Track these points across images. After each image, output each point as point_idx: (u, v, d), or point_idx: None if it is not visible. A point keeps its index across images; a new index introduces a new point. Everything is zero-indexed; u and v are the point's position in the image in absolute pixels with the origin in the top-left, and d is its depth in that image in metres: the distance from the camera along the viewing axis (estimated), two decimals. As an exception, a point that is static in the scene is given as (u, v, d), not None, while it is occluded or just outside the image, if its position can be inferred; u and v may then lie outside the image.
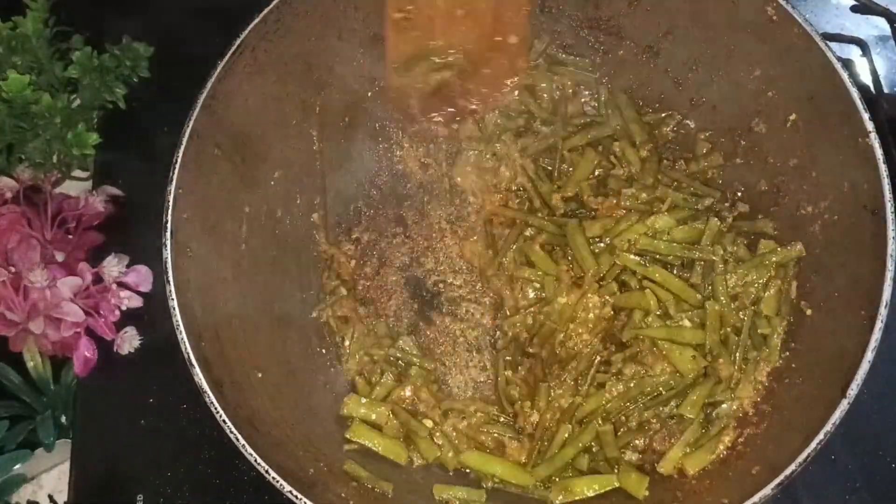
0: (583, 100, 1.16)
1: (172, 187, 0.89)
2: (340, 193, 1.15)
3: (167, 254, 0.87)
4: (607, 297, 1.03)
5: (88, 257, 1.11)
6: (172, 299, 0.85)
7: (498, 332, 1.07)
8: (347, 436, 0.97)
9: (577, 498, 0.93)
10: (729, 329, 0.98)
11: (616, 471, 0.94)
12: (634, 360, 0.99)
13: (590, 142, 1.12)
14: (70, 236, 1.12)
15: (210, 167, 0.94)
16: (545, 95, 1.16)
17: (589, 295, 1.03)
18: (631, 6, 1.08)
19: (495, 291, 1.09)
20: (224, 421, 0.81)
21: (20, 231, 1.06)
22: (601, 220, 1.05)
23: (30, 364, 1.08)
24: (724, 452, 0.94)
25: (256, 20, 0.95)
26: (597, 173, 1.11)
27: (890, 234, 0.82)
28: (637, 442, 0.98)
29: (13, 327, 1.04)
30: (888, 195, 0.84)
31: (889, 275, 0.81)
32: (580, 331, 1.03)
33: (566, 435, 0.97)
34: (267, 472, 0.80)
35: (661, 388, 0.98)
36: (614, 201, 1.07)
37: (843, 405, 0.78)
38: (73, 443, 1.06)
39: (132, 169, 1.19)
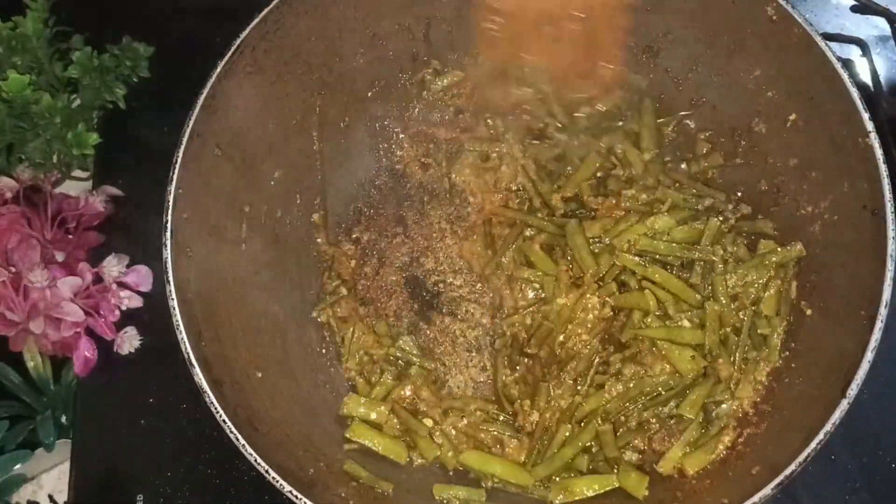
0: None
1: (172, 187, 0.89)
2: (340, 193, 1.15)
3: (167, 254, 0.87)
4: (606, 298, 1.03)
5: (88, 257, 1.11)
6: (172, 299, 0.85)
7: (497, 332, 1.07)
8: (347, 435, 0.97)
9: (576, 498, 0.93)
10: (728, 329, 0.98)
11: (616, 471, 0.94)
12: (634, 361, 0.99)
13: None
14: (70, 236, 1.12)
15: (210, 167, 0.94)
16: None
17: (588, 295, 1.03)
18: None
19: (495, 291, 1.09)
20: (224, 421, 0.81)
21: (20, 231, 1.06)
22: (601, 221, 1.05)
23: (30, 364, 1.08)
24: (724, 452, 0.94)
25: (256, 20, 0.95)
26: (598, 174, 1.11)
27: (890, 234, 0.82)
28: (636, 442, 0.98)
29: (13, 327, 1.04)
30: (888, 195, 0.84)
31: (889, 275, 0.81)
32: (579, 331, 1.03)
33: (566, 434, 0.97)
34: (267, 472, 0.80)
35: (660, 389, 0.98)
36: (614, 202, 1.07)
37: (843, 405, 0.78)
38: (73, 443, 1.06)
39: (132, 169, 1.19)
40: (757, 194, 1.05)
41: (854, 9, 1.28)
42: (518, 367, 1.03)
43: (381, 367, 1.05)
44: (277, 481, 0.79)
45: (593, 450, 0.97)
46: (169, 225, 0.88)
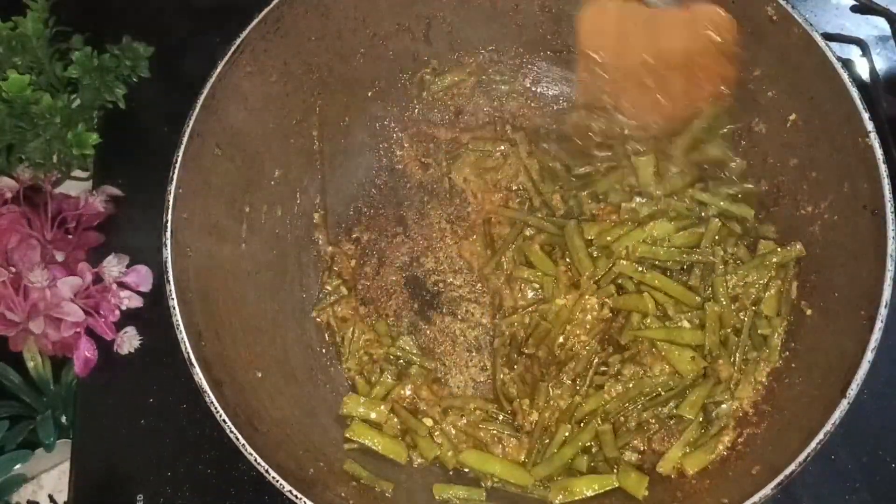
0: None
1: (172, 187, 0.89)
2: (340, 193, 1.15)
3: (167, 254, 0.87)
4: (605, 299, 1.03)
5: (88, 257, 1.11)
6: (172, 299, 0.85)
7: (496, 331, 1.07)
8: (347, 435, 0.97)
9: (576, 498, 0.93)
10: (729, 330, 0.98)
11: (616, 471, 0.94)
12: (633, 361, 0.99)
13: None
14: (70, 236, 1.12)
15: (210, 167, 0.94)
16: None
17: (587, 296, 1.03)
18: (631, 6, 1.07)
19: (494, 291, 1.09)
20: (224, 421, 0.81)
21: (20, 231, 1.06)
22: (600, 224, 1.05)
23: (30, 364, 1.08)
24: (724, 452, 0.94)
25: (256, 20, 0.95)
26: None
27: (890, 234, 0.82)
28: (636, 442, 0.97)
29: (13, 327, 1.04)
30: (888, 195, 0.83)
31: (889, 275, 0.81)
32: (578, 332, 1.03)
33: (566, 434, 0.97)
34: (267, 472, 0.80)
35: (660, 389, 0.98)
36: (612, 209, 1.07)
37: (843, 405, 0.78)
38: (73, 443, 1.06)
39: (132, 169, 1.19)
40: (757, 194, 1.04)
41: (854, 9, 1.28)
42: (516, 366, 1.03)
43: (381, 366, 1.05)
44: (277, 481, 0.79)
45: (593, 450, 0.97)
46: (169, 225, 0.88)
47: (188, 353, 0.83)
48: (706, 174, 1.06)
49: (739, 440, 0.94)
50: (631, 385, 0.98)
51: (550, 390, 1.00)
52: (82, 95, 1.15)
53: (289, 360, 1.01)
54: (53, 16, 1.14)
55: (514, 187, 1.14)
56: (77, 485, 1.04)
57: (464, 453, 0.98)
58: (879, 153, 0.85)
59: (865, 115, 0.86)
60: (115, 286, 1.08)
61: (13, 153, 1.12)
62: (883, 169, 0.84)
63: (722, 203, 1.03)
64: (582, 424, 0.98)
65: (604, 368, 1.01)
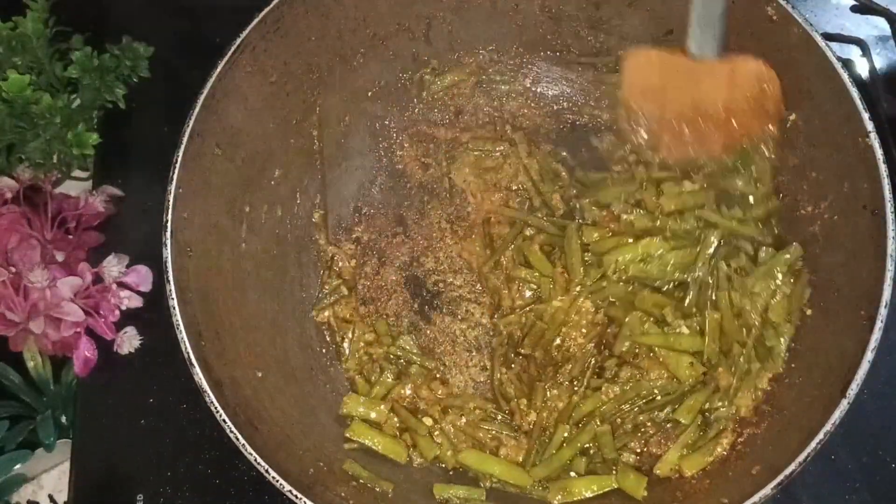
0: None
1: (172, 187, 0.89)
2: (340, 193, 1.15)
3: (167, 254, 0.87)
4: (599, 302, 1.03)
5: (88, 257, 1.11)
6: (172, 299, 0.85)
7: (495, 331, 1.07)
8: (347, 434, 0.97)
9: (575, 498, 0.93)
10: (733, 340, 0.97)
11: (614, 472, 0.94)
12: (630, 364, 0.99)
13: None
14: (70, 236, 1.12)
15: (210, 167, 0.94)
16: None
17: (582, 300, 1.03)
18: (631, 6, 1.07)
19: (493, 290, 1.09)
20: (224, 421, 0.81)
21: (20, 231, 1.06)
22: (600, 229, 1.05)
23: (30, 364, 1.08)
24: (724, 452, 0.93)
25: (256, 20, 0.95)
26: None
27: (890, 234, 0.82)
28: (633, 444, 0.97)
29: (13, 327, 1.04)
30: (888, 195, 0.83)
31: (889, 275, 0.81)
32: (573, 334, 1.03)
33: (564, 435, 0.97)
34: (267, 471, 0.80)
35: (656, 392, 0.97)
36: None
37: (843, 405, 0.78)
38: (73, 443, 1.06)
39: (132, 169, 1.19)
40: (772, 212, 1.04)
41: (854, 9, 1.28)
42: (513, 366, 1.03)
43: (381, 366, 1.05)
44: (277, 481, 0.79)
45: (591, 452, 0.97)
46: (169, 225, 0.88)
47: (188, 353, 0.83)
48: (721, 198, 1.02)
49: (739, 440, 0.94)
50: (628, 388, 0.98)
51: (547, 391, 1.00)
52: (82, 95, 1.15)
53: (289, 360, 1.01)
54: (53, 16, 1.14)
55: (514, 187, 1.14)
56: (77, 485, 1.04)
57: (463, 453, 0.98)
58: (879, 153, 0.85)
59: (865, 115, 0.86)
60: (115, 286, 1.08)
61: (13, 153, 1.12)
62: (883, 169, 0.84)
63: (733, 223, 1.00)
64: (580, 426, 0.98)
65: (600, 371, 1.00)
